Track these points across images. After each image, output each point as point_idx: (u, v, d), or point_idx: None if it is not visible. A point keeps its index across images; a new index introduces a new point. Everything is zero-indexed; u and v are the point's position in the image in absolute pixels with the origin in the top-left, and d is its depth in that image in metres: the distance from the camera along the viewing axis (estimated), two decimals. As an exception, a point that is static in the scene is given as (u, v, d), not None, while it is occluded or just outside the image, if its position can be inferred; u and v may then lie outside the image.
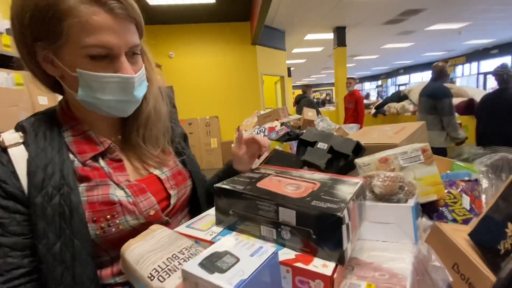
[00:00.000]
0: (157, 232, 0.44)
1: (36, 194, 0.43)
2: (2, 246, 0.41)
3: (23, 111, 1.57)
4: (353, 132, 1.40)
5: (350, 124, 1.81)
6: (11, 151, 0.45)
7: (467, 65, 11.42)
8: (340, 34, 6.49)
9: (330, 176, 0.50)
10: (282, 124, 2.36)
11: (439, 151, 2.78)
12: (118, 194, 0.49)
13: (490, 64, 10.58)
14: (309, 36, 7.08)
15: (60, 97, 0.56)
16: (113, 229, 0.47)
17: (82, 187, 0.47)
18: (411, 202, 0.51)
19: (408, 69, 15.07)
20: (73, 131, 0.50)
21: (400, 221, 0.48)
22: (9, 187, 0.43)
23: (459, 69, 11.82)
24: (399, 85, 15.76)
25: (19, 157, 0.45)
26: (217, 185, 0.47)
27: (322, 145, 0.96)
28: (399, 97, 5.07)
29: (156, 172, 0.57)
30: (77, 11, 0.41)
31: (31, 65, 0.48)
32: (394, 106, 4.68)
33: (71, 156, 0.48)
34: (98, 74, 0.45)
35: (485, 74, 10.48)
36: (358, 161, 0.81)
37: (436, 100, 2.74)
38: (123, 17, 0.45)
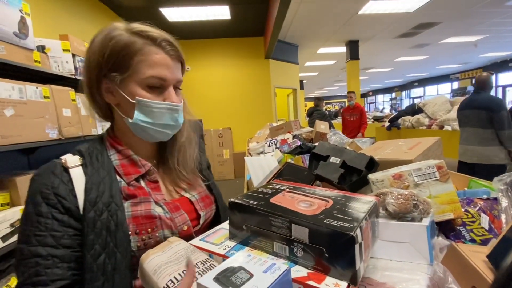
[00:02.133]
0: (175, 244, 0.45)
1: (90, 208, 0.48)
2: (53, 257, 0.45)
3: (49, 122, 1.66)
4: (366, 147, 1.38)
5: (363, 138, 1.79)
6: (72, 171, 0.51)
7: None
8: (353, 48, 6.51)
9: (343, 193, 0.50)
10: (294, 137, 2.36)
11: (500, 169, 2.54)
12: (158, 210, 0.55)
13: (509, 77, 10.25)
14: (322, 50, 7.14)
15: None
16: (152, 242, 0.52)
17: (127, 203, 0.53)
18: (426, 221, 0.50)
19: (423, 82, 14.79)
20: (119, 155, 0.58)
21: (414, 240, 0.47)
22: (67, 203, 0.48)
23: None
24: (413, 98, 15.47)
25: (78, 177, 0.51)
26: (232, 199, 0.48)
27: (334, 160, 0.95)
28: (414, 110, 4.97)
29: (187, 195, 0.64)
30: (143, 51, 0.53)
31: (96, 94, 0.56)
32: (408, 120, 4.59)
33: (118, 177, 0.55)
34: (154, 101, 0.55)
35: (504, 87, 10.13)
36: (371, 176, 0.80)
37: (493, 113, 2.53)
38: (174, 57, 0.57)
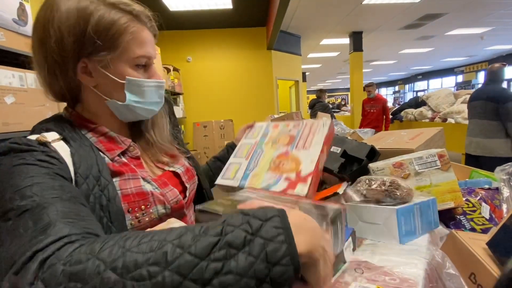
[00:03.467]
0: (174, 225, 0.45)
1: (83, 181, 0.45)
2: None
3: (49, 110, 1.65)
4: (368, 137, 1.37)
5: (365, 128, 1.77)
6: (54, 145, 0.46)
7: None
8: (357, 39, 6.41)
9: (313, 202, 0.49)
10: (295, 128, 2.34)
11: (505, 162, 2.42)
12: (148, 187, 0.53)
13: (506, 73, 10.06)
14: (325, 41, 7.03)
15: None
16: (147, 218, 0.51)
17: (115, 181, 0.50)
18: (400, 206, 0.56)
19: (427, 75, 14.60)
20: (94, 133, 0.54)
21: (386, 222, 0.54)
22: (62, 165, 0.43)
23: (481, 75, 11.34)
24: (416, 91, 15.31)
25: (62, 150, 0.46)
26: (198, 206, 0.47)
27: (335, 149, 0.95)
28: (417, 103, 4.92)
29: (171, 168, 0.62)
30: (131, 29, 0.50)
31: (63, 75, 0.50)
32: (411, 112, 4.55)
33: (100, 153, 0.52)
34: (144, 80, 0.54)
35: (509, 80, 9.95)
36: (372, 165, 0.80)
37: (499, 104, 2.49)
38: (153, 33, 0.56)
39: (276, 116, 3.37)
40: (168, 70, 4.37)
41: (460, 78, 12.59)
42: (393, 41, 7.44)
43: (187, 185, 0.62)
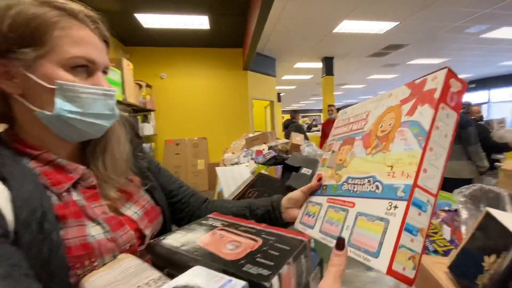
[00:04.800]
0: (124, 262, 0.41)
1: (24, 230, 0.37)
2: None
3: None
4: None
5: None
6: None
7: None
8: (328, 64, 6.81)
9: (278, 231, 0.45)
10: (269, 148, 2.37)
11: (466, 182, 2.64)
12: (95, 233, 0.44)
13: (469, 97, 11.26)
14: (299, 65, 7.38)
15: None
16: (88, 273, 0.42)
17: (60, 227, 0.41)
18: None
19: (393, 99, 15.77)
20: (38, 162, 0.44)
21: None
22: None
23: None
24: (384, 114, 16.41)
25: (0, 194, 0.38)
26: (153, 241, 0.43)
27: (306, 171, 0.96)
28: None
29: (128, 212, 0.52)
30: (62, 24, 0.43)
31: None
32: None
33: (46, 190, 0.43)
34: (81, 85, 0.44)
35: (481, 104, 11.05)
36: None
37: (460, 129, 2.65)
38: (100, 37, 0.49)
39: (251, 135, 3.40)
40: (140, 86, 4.28)
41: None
42: (362, 67, 8.01)
43: (147, 233, 0.52)
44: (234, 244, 0.40)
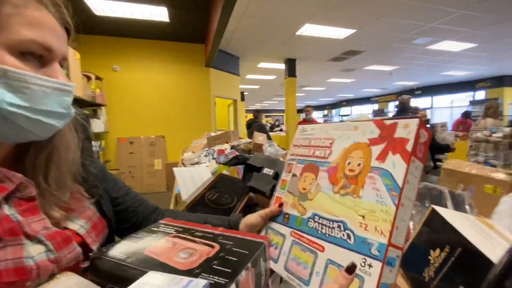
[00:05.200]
0: (62, 280, 0.36)
1: None
2: None
3: None
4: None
5: None
6: None
7: (396, 102, 13.38)
8: (291, 66, 7.02)
9: (236, 234, 0.44)
10: (232, 147, 2.35)
11: None
12: (35, 253, 0.37)
13: (414, 103, 12.55)
14: (262, 64, 7.48)
15: None
16: None
17: None
18: None
19: (350, 102, 16.94)
20: None
21: None
22: None
23: (391, 104, 13.78)
24: (342, 116, 17.47)
25: None
26: (95, 254, 0.38)
27: (268, 171, 0.96)
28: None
29: (73, 226, 0.45)
30: (14, 1, 0.36)
31: None
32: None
33: None
34: (33, 75, 0.37)
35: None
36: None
37: None
38: (61, 23, 0.42)
39: (213, 134, 3.34)
40: (89, 78, 3.93)
41: (375, 107, 14.97)
42: (322, 71, 8.41)
43: (94, 248, 0.46)
44: (187, 252, 0.37)
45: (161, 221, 0.49)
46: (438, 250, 0.44)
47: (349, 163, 0.44)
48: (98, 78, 4.36)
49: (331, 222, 0.43)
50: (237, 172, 1.33)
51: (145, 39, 5.13)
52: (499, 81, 9.55)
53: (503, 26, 4.82)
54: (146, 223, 0.60)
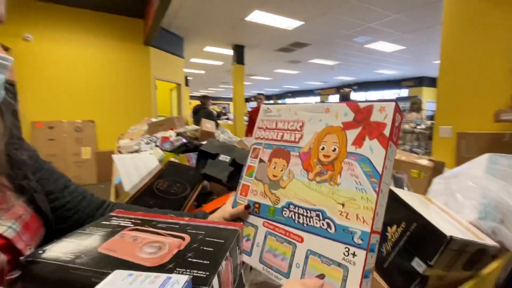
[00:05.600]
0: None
1: None
2: None
3: None
4: (254, 146, 1.46)
5: (250, 137, 1.88)
6: None
7: (335, 96, 14.59)
8: (239, 52, 6.96)
9: (206, 223, 0.41)
10: (178, 134, 2.24)
11: None
12: None
13: (352, 97, 13.85)
14: (209, 48, 7.24)
15: None
16: None
17: None
18: None
19: (295, 93, 17.78)
20: None
21: None
22: None
23: (331, 97, 14.98)
24: (287, 107, 18.35)
25: None
26: (28, 257, 0.31)
27: (224, 158, 0.93)
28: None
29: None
30: None
31: None
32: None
33: None
34: None
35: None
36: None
37: None
38: None
39: (154, 120, 3.12)
40: (-9, 46, 3.23)
41: (317, 99, 16.05)
42: (270, 60, 8.57)
43: (28, 251, 0.39)
44: (154, 246, 0.33)
45: (111, 214, 0.43)
46: (395, 226, 0.49)
47: (323, 148, 0.44)
48: (5, 48, 3.62)
49: (308, 211, 0.42)
50: (188, 159, 1.27)
51: (68, 6, 4.43)
52: (420, 81, 11.19)
53: (426, 32, 5.61)
54: (92, 220, 0.52)
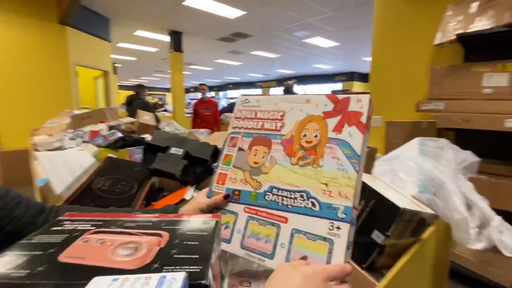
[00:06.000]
0: None
1: None
2: None
3: None
4: (205, 137, 1.42)
5: (200, 129, 1.82)
6: None
7: (277, 88, 15.20)
8: (177, 39, 6.63)
9: (180, 218, 0.40)
10: (111, 128, 2.04)
11: None
12: None
13: (295, 89, 14.62)
14: (141, 33, 6.71)
15: None
16: None
17: None
18: None
19: (237, 85, 17.86)
20: None
21: None
22: None
23: (272, 90, 15.53)
24: (229, 98, 18.25)
25: None
26: None
27: (176, 151, 0.89)
28: (232, 109, 5.90)
29: None
30: None
31: None
32: (230, 116, 5.34)
33: None
34: None
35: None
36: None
37: None
38: None
39: (76, 112, 2.77)
40: None
41: (259, 91, 16.44)
42: (210, 49, 8.39)
43: None
44: (129, 247, 0.30)
45: (62, 217, 0.37)
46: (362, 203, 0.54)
47: (305, 135, 0.48)
48: None
49: (292, 193, 0.45)
50: (130, 155, 1.17)
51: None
52: (351, 76, 12.38)
53: (358, 31, 6.21)
54: (32, 229, 0.44)
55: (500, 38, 1.67)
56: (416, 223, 0.57)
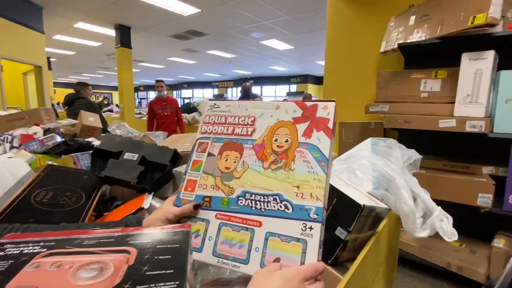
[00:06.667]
0: None
1: None
2: None
3: None
4: (162, 140, 1.36)
5: (156, 132, 1.72)
6: None
7: (234, 88, 15.21)
8: (124, 34, 6.26)
9: (146, 230, 0.37)
10: (48, 131, 1.85)
11: None
12: None
13: (253, 90, 14.78)
14: (82, 25, 6.18)
15: None
16: None
17: None
18: None
19: (192, 84, 17.45)
20: None
21: None
22: None
23: (229, 90, 15.49)
24: (183, 98, 17.75)
25: None
26: None
27: (131, 156, 0.84)
28: (190, 108, 5.74)
29: None
30: None
31: None
32: (185, 117, 5.18)
33: None
34: None
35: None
36: (179, 169, 0.79)
37: None
38: None
39: (3, 113, 2.45)
40: None
41: (216, 91, 16.27)
42: (162, 47, 8.08)
43: None
44: (93, 268, 0.28)
45: (2, 240, 0.32)
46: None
47: (276, 140, 0.50)
48: None
49: (265, 197, 0.46)
50: (74, 161, 1.07)
51: None
52: (305, 78, 12.96)
53: (311, 35, 6.52)
54: None
55: (434, 48, 1.90)
56: (373, 217, 0.63)
